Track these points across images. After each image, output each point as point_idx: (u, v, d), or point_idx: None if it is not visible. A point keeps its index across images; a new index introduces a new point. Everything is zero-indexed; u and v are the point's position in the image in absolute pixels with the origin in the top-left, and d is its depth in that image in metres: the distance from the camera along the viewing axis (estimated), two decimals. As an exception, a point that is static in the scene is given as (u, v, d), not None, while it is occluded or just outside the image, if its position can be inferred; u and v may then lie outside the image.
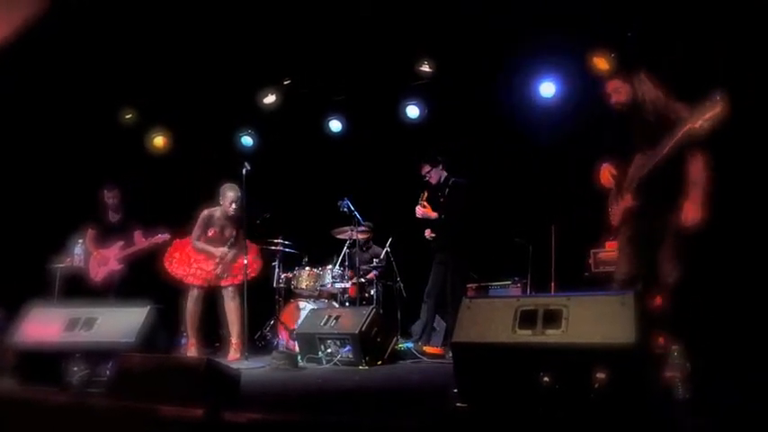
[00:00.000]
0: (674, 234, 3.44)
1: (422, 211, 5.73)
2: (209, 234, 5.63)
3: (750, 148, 5.09)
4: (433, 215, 5.68)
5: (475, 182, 5.82)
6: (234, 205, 5.56)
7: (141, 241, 5.98)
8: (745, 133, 5.07)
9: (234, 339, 5.56)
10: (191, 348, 5.53)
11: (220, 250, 5.58)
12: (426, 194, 5.82)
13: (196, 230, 5.62)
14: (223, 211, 5.62)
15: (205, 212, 5.65)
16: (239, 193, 5.59)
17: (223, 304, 5.69)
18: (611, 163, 3.79)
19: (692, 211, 3.38)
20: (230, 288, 5.63)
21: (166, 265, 5.62)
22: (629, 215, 3.65)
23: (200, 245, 5.60)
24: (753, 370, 3.80)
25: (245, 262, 5.51)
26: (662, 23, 5.37)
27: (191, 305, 5.54)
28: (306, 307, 6.32)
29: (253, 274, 5.67)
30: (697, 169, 3.40)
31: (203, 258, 5.58)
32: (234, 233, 5.65)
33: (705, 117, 3.23)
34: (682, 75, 5.12)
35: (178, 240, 5.76)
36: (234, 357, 5.39)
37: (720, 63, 5.17)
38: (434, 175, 5.81)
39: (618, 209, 3.72)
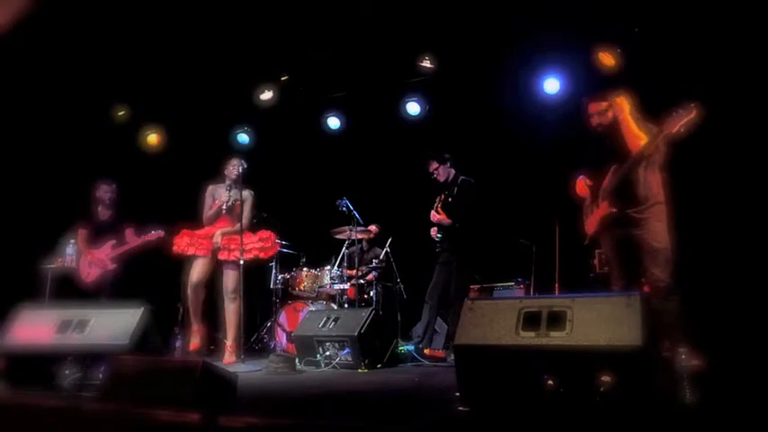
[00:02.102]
0: (652, 239, 3.57)
1: (437, 217, 5.65)
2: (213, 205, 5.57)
3: (752, 147, 5.06)
4: (448, 221, 5.59)
5: (478, 180, 5.76)
6: (237, 169, 5.50)
7: (133, 239, 5.88)
8: (746, 132, 5.06)
9: (229, 342, 5.45)
10: (195, 335, 5.40)
11: (224, 194, 5.49)
12: (443, 198, 5.72)
13: (205, 204, 5.58)
14: (227, 182, 5.54)
15: (210, 186, 5.63)
16: (245, 164, 5.55)
17: (223, 307, 5.56)
18: (586, 174, 3.99)
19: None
20: (231, 274, 5.41)
21: (174, 249, 5.49)
22: (608, 222, 3.77)
23: (210, 211, 5.53)
24: (760, 371, 3.75)
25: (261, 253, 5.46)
26: (668, 20, 5.33)
27: (190, 293, 5.39)
28: (304, 309, 6.26)
29: (263, 255, 5.54)
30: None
31: (204, 233, 5.49)
32: (237, 207, 5.51)
33: (681, 123, 3.47)
34: (684, 72, 5.12)
35: (186, 230, 5.61)
36: (229, 360, 5.31)
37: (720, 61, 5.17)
38: (442, 172, 5.74)
39: (594, 217, 3.84)
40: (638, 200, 3.65)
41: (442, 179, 5.75)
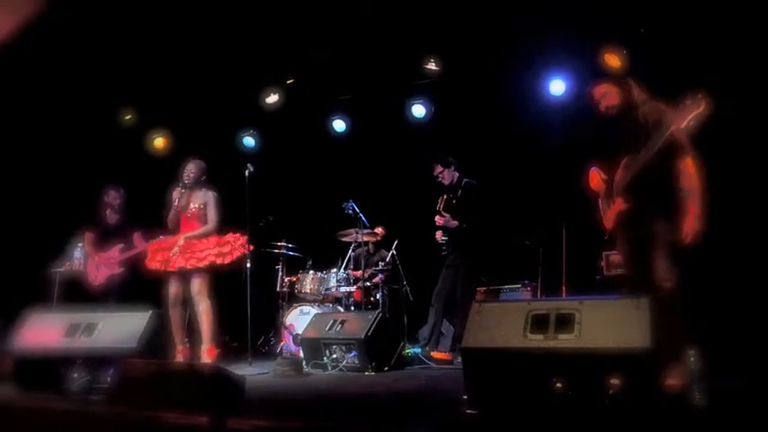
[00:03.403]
0: (665, 239, 3.42)
1: (442, 220, 5.63)
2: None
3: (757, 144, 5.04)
4: (453, 224, 5.58)
5: (484, 182, 5.75)
6: (188, 174, 5.29)
7: (141, 244, 5.88)
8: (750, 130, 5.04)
9: (204, 346, 5.12)
10: (179, 356, 5.12)
11: (175, 193, 5.26)
12: (445, 199, 5.72)
13: (171, 207, 5.32)
14: (184, 183, 5.30)
15: (173, 190, 5.35)
16: (203, 165, 5.37)
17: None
18: (599, 166, 3.80)
19: (692, 226, 3.34)
20: (193, 280, 5.13)
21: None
22: (622, 219, 3.63)
23: (170, 215, 5.30)
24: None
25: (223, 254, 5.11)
26: (673, 21, 5.32)
27: (170, 312, 5.18)
28: (310, 311, 6.26)
29: (220, 261, 5.11)
30: (688, 176, 3.38)
31: (165, 244, 5.25)
32: (199, 210, 5.28)
33: (689, 117, 3.26)
34: (689, 72, 5.10)
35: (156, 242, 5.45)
36: None
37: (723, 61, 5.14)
38: (447, 176, 5.75)
39: (611, 212, 3.71)
40: (653, 195, 3.48)
41: (446, 182, 5.77)
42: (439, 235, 5.68)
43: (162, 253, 5.17)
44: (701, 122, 3.28)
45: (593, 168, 3.84)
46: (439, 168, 5.75)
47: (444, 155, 5.82)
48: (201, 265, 5.08)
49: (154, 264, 5.17)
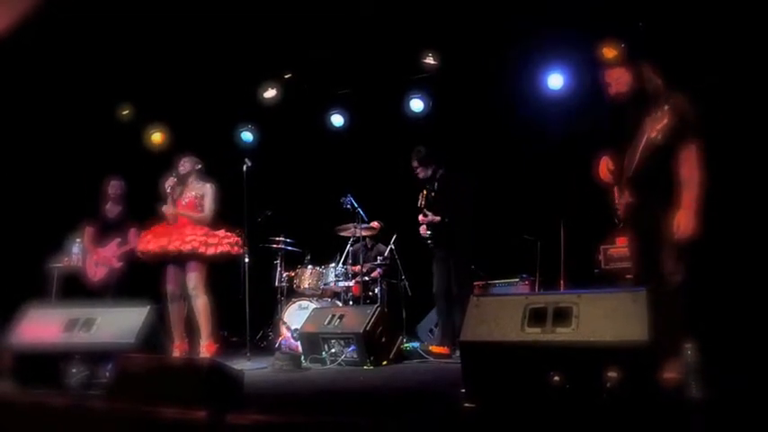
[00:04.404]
0: (671, 233, 3.36)
1: (425, 219, 5.55)
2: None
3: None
4: (436, 220, 5.50)
5: (481, 177, 5.73)
6: (182, 166, 5.32)
7: (135, 241, 5.85)
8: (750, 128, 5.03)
9: (203, 342, 5.09)
10: (176, 351, 5.05)
11: (168, 182, 5.25)
12: (425, 194, 5.66)
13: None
14: (177, 172, 5.32)
15: (166, 179, 5.34)
16: (197, 160, 5.39)
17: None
18: (609, 156, 3.71)
19: (683, 222, 3.29)
20: (190, 271, 5.09)
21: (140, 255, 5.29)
22: (631, 211, 3.60)
23: (167, 206, 5.27)
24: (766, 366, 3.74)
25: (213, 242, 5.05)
26: (671, 14, 5.31)
27: (169, 307, 5.15)
28: (309, 306, 6.27)
29: (202, 250, 5.01)
30: (688, 167, 3.32)
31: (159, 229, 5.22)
32: (196, 199, 5.27)
33: (656, 127, 3.21)
34: (687, 66, 5.09)
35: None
36: None
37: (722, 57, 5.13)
38: (421, 171, 5.65)
39: (622, 203, 3.66)
40: (657, 189, 3.41)
41: (421, 176, 5.66)
42: (423, 230, 5.58)
43: (161, 236, 5.08)
44: (672, 132, 3.20)
45: (604, 157, 3.73)
46: (414, 163, 5.65)
47: (419, 148, 5.67)
48: (185, 248, 4.97)
49: (147, 245, 5.07)
